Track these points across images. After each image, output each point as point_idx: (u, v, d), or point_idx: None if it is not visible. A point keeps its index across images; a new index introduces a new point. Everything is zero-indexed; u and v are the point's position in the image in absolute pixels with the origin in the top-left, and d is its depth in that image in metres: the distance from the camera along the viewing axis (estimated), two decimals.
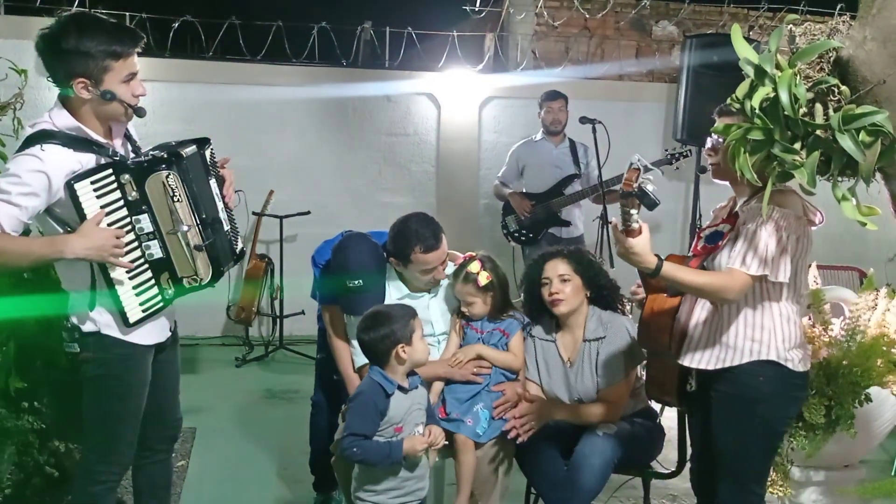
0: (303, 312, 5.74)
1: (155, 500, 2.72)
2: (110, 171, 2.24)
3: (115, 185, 2.24)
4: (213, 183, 2.51)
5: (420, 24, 6.22)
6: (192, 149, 2.41)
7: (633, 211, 2.15)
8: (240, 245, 2.64)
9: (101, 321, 2.33)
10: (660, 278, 2.27)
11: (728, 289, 2.26)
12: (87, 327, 2.34)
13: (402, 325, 2.47)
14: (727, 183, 2.47)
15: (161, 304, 2.36)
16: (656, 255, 2.23)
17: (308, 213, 5.79)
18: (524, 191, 5.46)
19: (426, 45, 6.23)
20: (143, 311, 2.32)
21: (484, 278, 2.88)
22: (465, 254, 3.01)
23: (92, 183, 2.21)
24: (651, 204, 2.14)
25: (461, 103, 6.35)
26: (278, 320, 5.85)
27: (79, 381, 2.48)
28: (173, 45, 5.67)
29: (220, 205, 2.52)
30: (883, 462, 3.82)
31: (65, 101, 2.26)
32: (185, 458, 3.87)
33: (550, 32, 6.72)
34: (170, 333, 2.53)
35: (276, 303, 5.88)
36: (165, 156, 2.30)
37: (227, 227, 2.54)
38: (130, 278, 2.29)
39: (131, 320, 2.30)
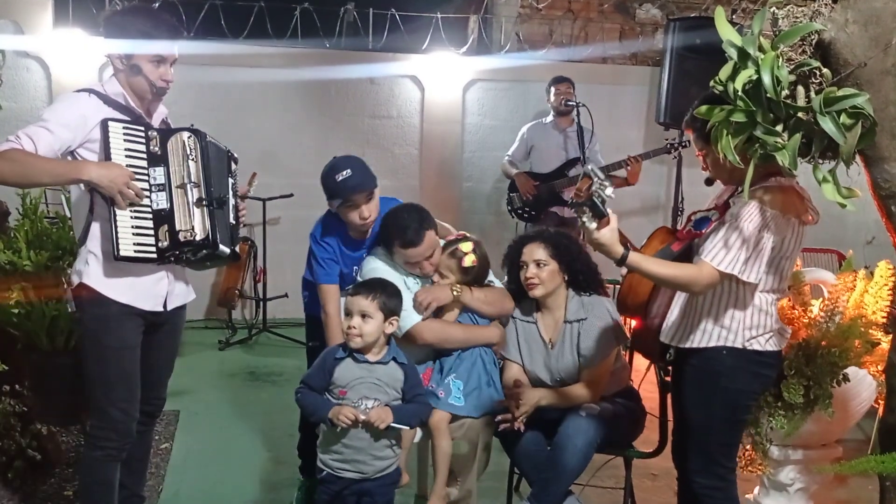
0: (286, 295, 5.73)
1: (129, 471, 2.76)
2: (142, 126, 2.51)
3: (142, 136, 2.49)
4: (230, 181, 2.71)
5: (403, 5, 6.18)
6: (220, 142, 2.71)
7: (585, 218, 2.23)
8: (237, 248, 2.74)
9: (85, 271, 2.48)
10: (626, 267, 2.32)
11: (695, 282, 2.31)
12: (74, 278, 2.50)
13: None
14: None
15: (153, 254, 2.46)
16: (624, 245, 2.28)
17: (291, 195, 5.76)
18: (531, 170, 5.59)
19: (410, 27, 6.20)
20: (135, 251, 2.43)
21: (469, 261, 2.93)
22: (459, 232, 3.05)
23: (124, 128, 2.45)
24: (600, 214, 2.22)
25: (445, 86, 6.33)
26: (262, 303, 5.83)
27: (60, 365, 2.52)
28: None
29: (231, 199, 2.69)
30: (859, 441, 3.88)
31: (116, 76, 2.54)
32: (168, 441, 3.87)
33: (534, 15, 6.69)
34: (162, 308, 2.61)
35: (260, 285, 5.86)
36: (191, 125, 2.58)
37: (231, 218, 2.68)
38: (132, 217, 2.43)
39: (121, 252, 2.40)
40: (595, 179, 2.21)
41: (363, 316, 2.51)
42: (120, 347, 2.52)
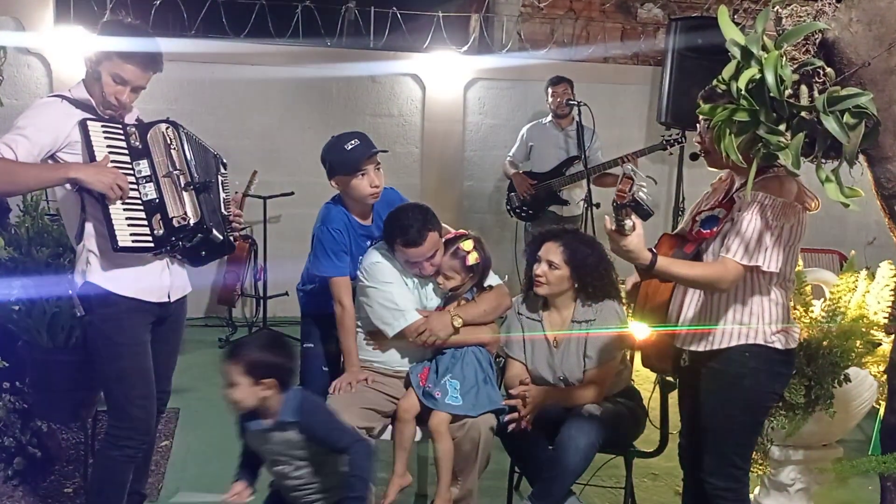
0: (286, 294, 5.72)
1: None
2: (119, 124, 2.53)
3: (121, 133, 2.51)
4: (219, 178, 2.77)
5: (405, 4, 6.16)
6: (210, 147, 2.78)
7: (628, 221, 2.18)
8: (233, 238, 2.78)
9: (88, 270, 2.50)
10: (654, 273, 2.29)
11: (722, 279, 2.30)
12: (78, 279, 2.52)
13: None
14: (720, 169, 2.49)
15: (151, 243, 2.48)
16: (650, 250, 2.26)
17: (292, 193, 5.75)
18: (530, 170, 5.60)
19: (411, 26, 6.19)
20: (133, 241, 2.44)
21: (473, 259, 2.91)
22: (457, 230, 3.03)
23: (102, 127, 2.48)
24: (645, 214, 2.21)
25: (446, 84, 6.32)
26: (262, 301, 5.82)
27: (61, 362, 2.72)
28: (155, 23, 5.59)
29: (221, 193, 2.73)
30: (859, 441, 3.89)
31: (84, 82, 2.56)
32: (168, 438, 3.87)
33: (536, 14, 6.69)
34: (168, 299, 2.64)
35: (260, 283, 5.85)
36: (167, 118, 2.64)
37: (223, 210, 2.73)
38: (124, 209, 2.44)
39: (120, 244, 2.41)
40: (636, 179, 2.18)
41: (230, 384, 2.35)
42: (133, 344, 2.55)
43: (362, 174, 2.94)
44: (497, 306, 3.02)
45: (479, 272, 2.96)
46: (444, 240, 2.98)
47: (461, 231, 3.04)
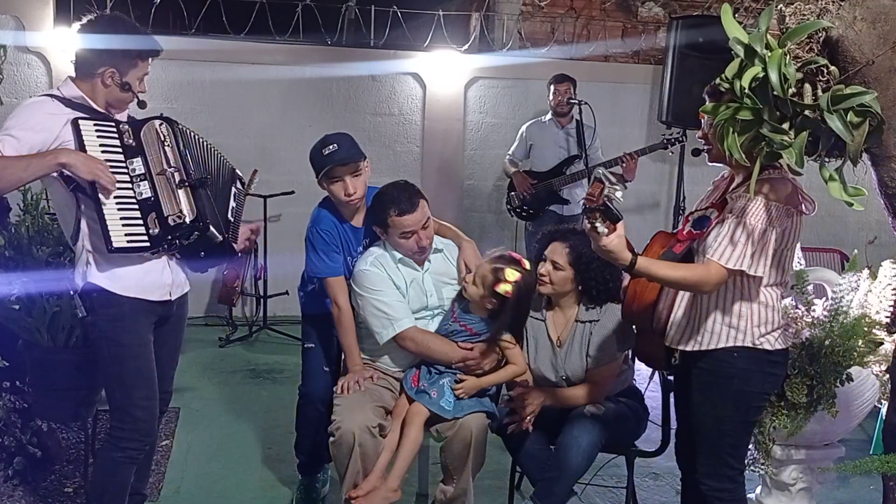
0: (286, 293, 5.72)
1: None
2: (112, 122, 2.51)
3: (115, 132, 2.49)
4: (233, 189, 2.82)
5: (405, 2, 6.15)
6: (229, 161, 2.83)
7: (598, 224, 2.19)
8: (237, 247, 2.77)
9: (89, 271, 2.48)
10: (635, 273, 2.29)
11: (704, 282, 2.29)
12: (78, 280, 2.50)
13: None
14: (721, 164, 2.48)
15: (147, 243, 2.45)
16: (631, 251, 2.25)
17: (292, 192, 5.74)
18: (530, 169, 5.59)
19: (411, 25, 6.18)
20: (128, 242, 2.42)
21: (503, 289, 2.77)
22: (521, 256, 2.91)
23: (95, 125, 2.46)
24: (614, 218, 2.18)
25: (447, 83, 6.31)
26: (262, 300, 5.82)
27: (61, 361, 2.70)
28: (155, 21, 5.58)
29: (232, 202, 2.74)
30: (861, 441, 3.88)
31: (74, 80, 2.52)
32: (169, 438, 3.86)
33: (536, 12, 6.67)
34: (169, 297, 2.62)
35: (260, 283, 5.85)
36: (160, 115, 2.63)
37: (231, 217, 2.73)
38: (119, 209, 2.41)
39: (115, 245, 2.38)
40: (606, 183, 2.18)
41: None
42: (136, 345, 2.53)
43: (337, 180, 2.91)
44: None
45: (500, 305, 2.81)
46: (505, 255, 2.88)
47: (525, 262, 2.87)
